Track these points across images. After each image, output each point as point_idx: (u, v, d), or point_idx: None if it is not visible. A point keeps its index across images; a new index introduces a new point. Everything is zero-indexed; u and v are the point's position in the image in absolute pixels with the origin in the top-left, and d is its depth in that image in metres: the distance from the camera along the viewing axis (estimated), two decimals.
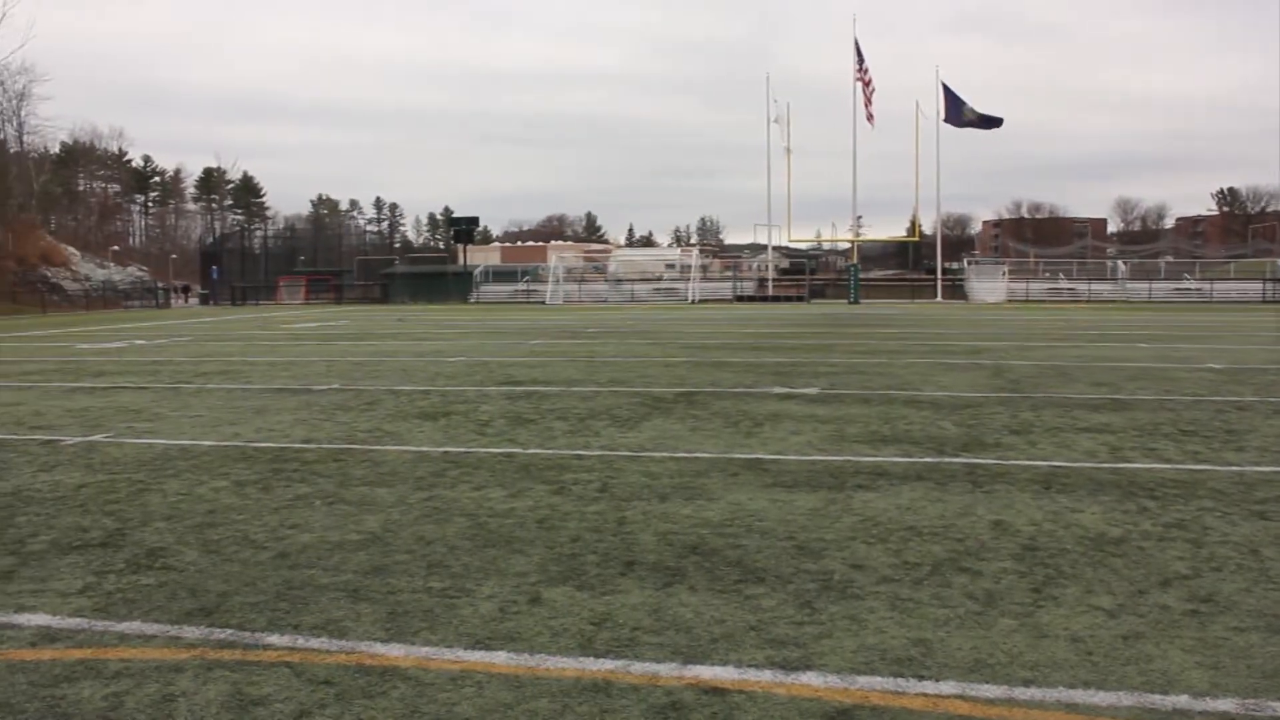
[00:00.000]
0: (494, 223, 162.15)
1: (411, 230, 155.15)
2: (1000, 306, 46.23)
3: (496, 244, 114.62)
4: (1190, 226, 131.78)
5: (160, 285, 66.24)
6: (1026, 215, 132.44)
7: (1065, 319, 32.65)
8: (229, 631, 4.51)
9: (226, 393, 13.43)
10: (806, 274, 64.65)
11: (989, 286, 53.49)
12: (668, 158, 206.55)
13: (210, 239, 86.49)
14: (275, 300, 61.43)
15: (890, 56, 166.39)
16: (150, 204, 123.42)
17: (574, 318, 36.40)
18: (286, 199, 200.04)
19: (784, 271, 67.41)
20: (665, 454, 8.61)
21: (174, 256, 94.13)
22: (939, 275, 56.13)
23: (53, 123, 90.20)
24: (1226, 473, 7.72)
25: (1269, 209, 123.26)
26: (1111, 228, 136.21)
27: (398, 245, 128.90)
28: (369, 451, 8.87)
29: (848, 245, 76.38)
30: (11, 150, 67.34)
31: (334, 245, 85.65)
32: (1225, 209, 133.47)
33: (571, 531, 6.13)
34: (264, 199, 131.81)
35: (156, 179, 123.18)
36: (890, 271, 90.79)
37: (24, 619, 4.73)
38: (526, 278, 62.40)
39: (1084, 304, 48.62)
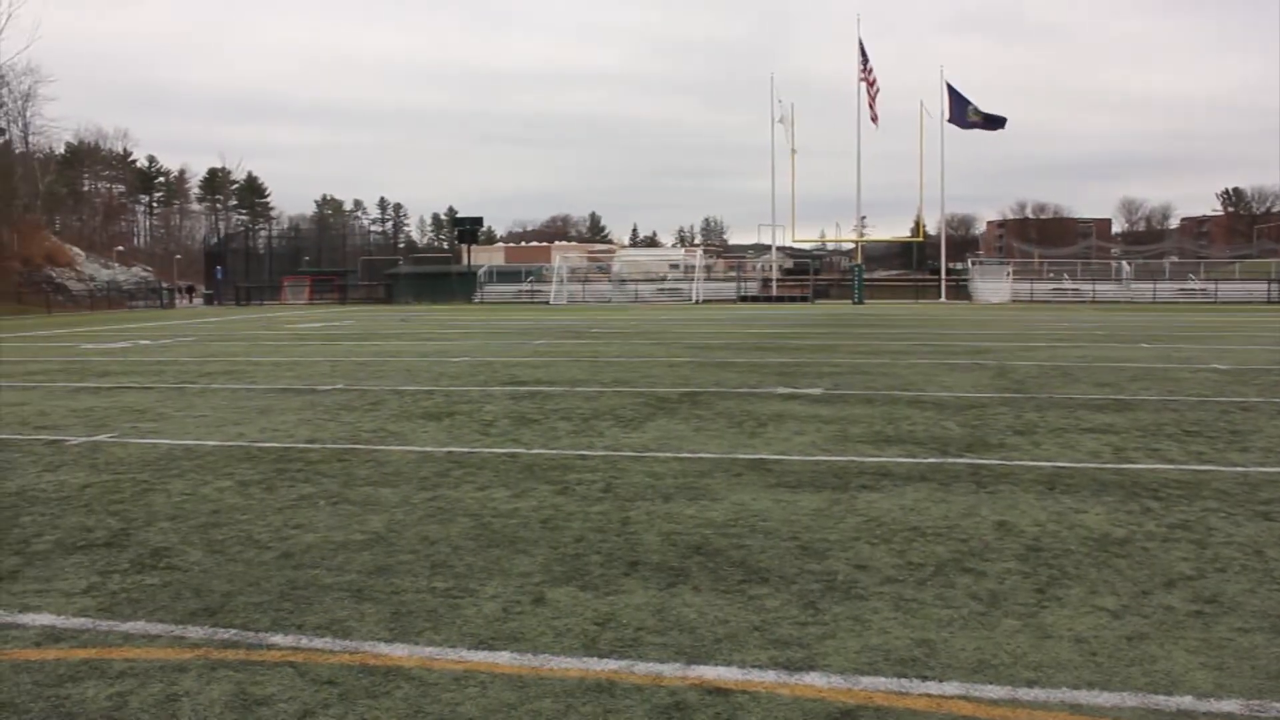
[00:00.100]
0: (498, 223, 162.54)
1: (416, 230, 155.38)
2: (1004, 307, 46.17)
3: (500, 244, 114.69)
4: (1195, 227, 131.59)
5: (165, 285, 66.33)
6: (1031, 215, 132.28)
7: (1069, 319, 32.61)
8: (233, 631, 4.52)
9: (231, 393, 13.45)
10: (810, 274, 64.61)
11: (993, 287, 53.45)
12: (671, 158, 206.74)
13: (215, 239, 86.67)
14: (279, 300, 61.51)
15: (891, 56, 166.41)
16: (155, 204, 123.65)
17: (578, 318, 36.42)
18: (291, 199, 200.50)
19: (788, 272, 67.38)
20: (669, 454, 8.61)
21: (178, 257, 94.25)
22: (943, 276, 56.11)
23: (58, 123, 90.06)
24: (1231, 473, 7.70)
25: (1274, 209, 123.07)
26: (1116, 228, 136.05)
27: (402, 245, 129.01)
28: (373, 451, 8.88)
29: (852, 245, 76.40)
30: (17, 151, 67.50)
31: (338, 245, 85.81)
32: (1230, 209, 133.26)
33: (575, 532, 6.13)
34: (268, 199, 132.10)
35: (161, 179, 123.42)
36: (894, 272, 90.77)
37: (29, 619, 4.74)
38: (530, 278, 62.43)
39: (1088, 304, 48.54)
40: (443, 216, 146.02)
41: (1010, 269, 58.55)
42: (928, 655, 4.16)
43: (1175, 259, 68.83)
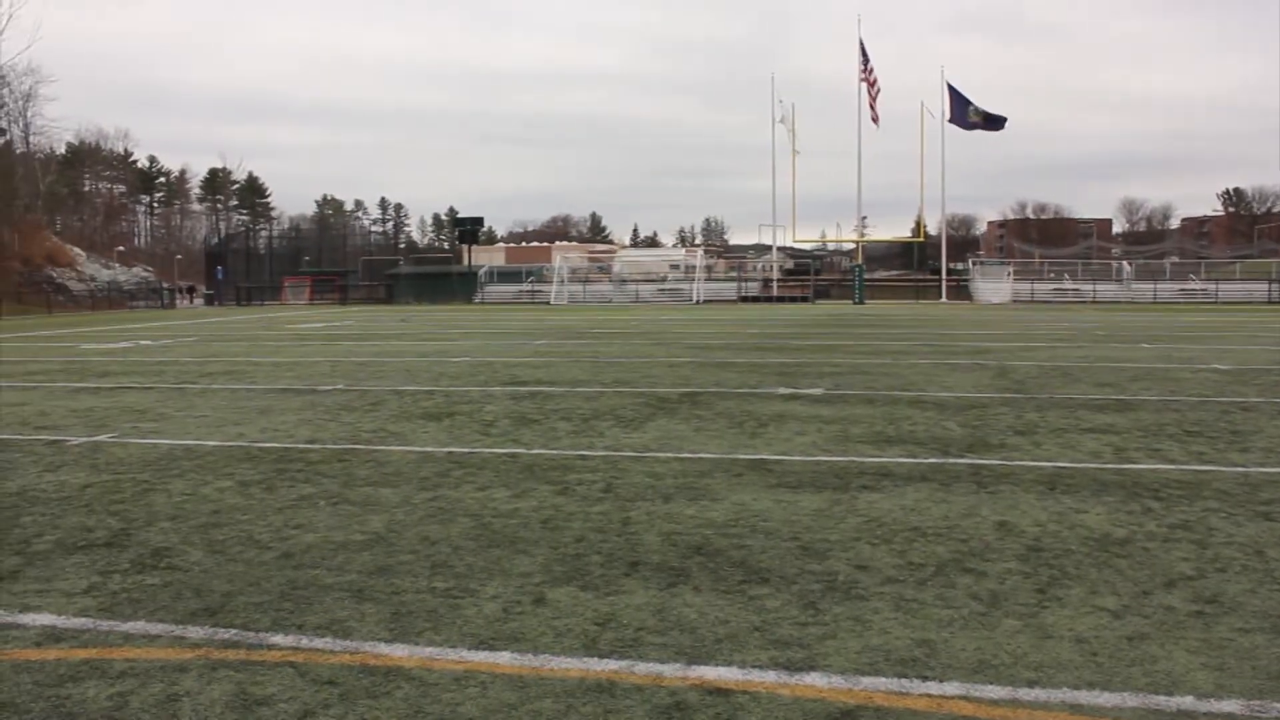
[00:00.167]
0: (498, 223, 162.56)
1: (416, 230, 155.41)
2: (1005, 307, 46.16)
3: (501, 244, 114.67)
4: (1196, 227, 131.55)
5: (165, 286, 66.36)
6: (1031, 216, 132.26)
7: (1070, 320, 32.61)
8: (233, 631, 4.52)
9: (231, 393, 13.46)
10: (811, 274, 64.62)
11: (994, 287, 53.45)
12: (671, 158, 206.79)
13: (215, 239, 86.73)
14: (280, 301, 61.52)
15: (891, 56, 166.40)
16: (155, 204, 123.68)
17: (578, 318, 36.42)
18: (291, 199, 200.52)
19: (788, 272, 67.39)
20: (670, 454, 8.61)
21: (179, 257, 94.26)
22: (944, 276, 56.12)
23: (58, 123, 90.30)
24: (1231, 474, 7.70)
25: (1275, 209, 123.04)
26: (1117, 228, 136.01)
27: (402, 246, 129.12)
28: (373, 452, 8.88)
29: (852, 246, 76.40)
30: (18, 151, 67.53)
31: (339, 246, 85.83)
32: (1231, 209, 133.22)
33: (575, 532, 6.13)
34: (269, 199, 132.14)
35: (162, 179, 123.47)
36: (895, 272, 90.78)
37: (29, 619, 4.74)
38: (531, 278, 62.44)
39: (1089, 305, 48.54)
40: (443, 217, 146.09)
41: (1011, 269, 58.56)
42: (928, 655, 4.16)
43: (1176, 259, 68.83)
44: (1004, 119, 53.01)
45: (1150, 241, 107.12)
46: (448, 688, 3.89)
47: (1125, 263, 62.45)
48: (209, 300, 63.75)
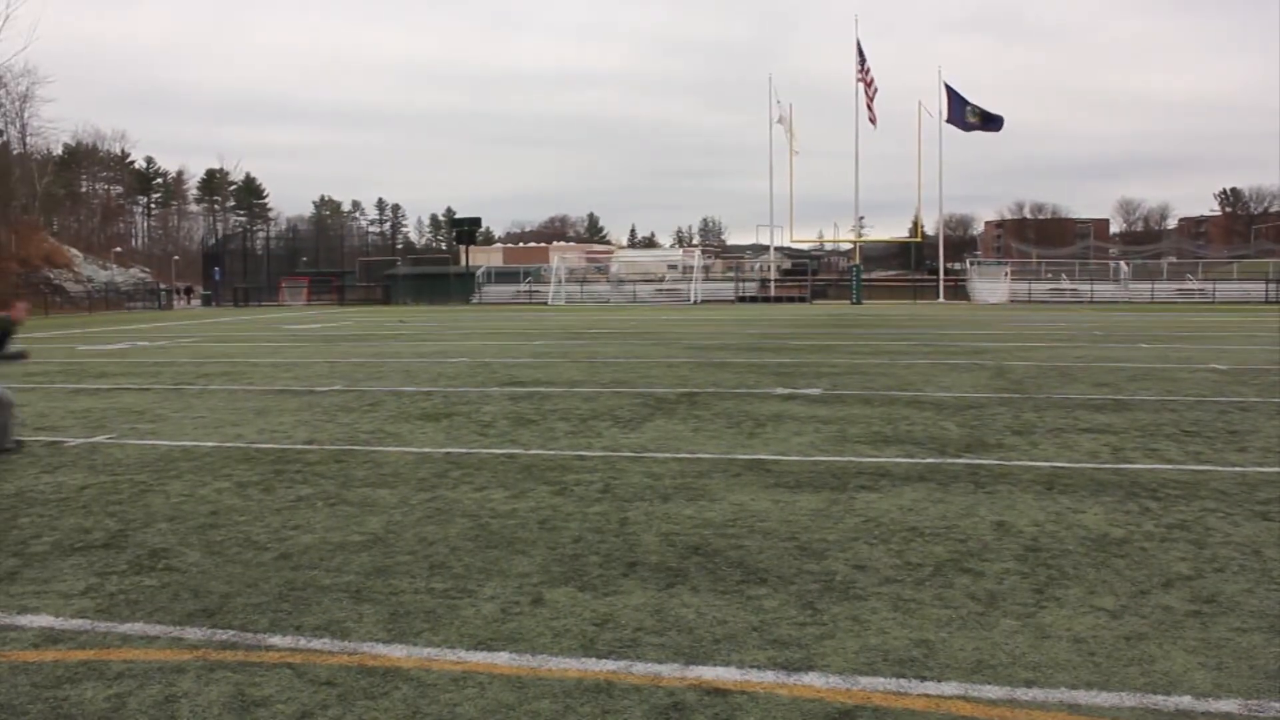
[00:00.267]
0: (496, 224, 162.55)
1: (414, 231, 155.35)
2: (1003, 307, 46.20)
3: (499, 245, 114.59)
4: (1193, 227, 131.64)
5: (163, 287, 66.31)
6: (1029, 216, 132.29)
7: (1067, 320, 32.64)
8: (231, 632, 4.52)
9: (229, 394, 13.45)
10: (808, 275, 64.61)
11: (991, 287, 53.45)
12: (669, 158, 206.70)
13: (212, 240, 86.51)
14: (277, 301, 61.48)
15: (891, 57, 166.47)
16: (153, 205, 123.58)
17: (576, 318, 36.42)
18: (288, 200, 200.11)
19: (786, 272, 67.38)
20: (667, 455, 8.61)
21: (176, 258, 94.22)
22: (941, 276, 56.13)
23: (55, 125, 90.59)
24: (1229, 473, 7.71)
25: (1272, 209, 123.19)
26: (1114, 228, 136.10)
27: (400, 246, 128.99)
28: (371, 453, 8.88)
29: (850, 246, 76.44)
30: (15, 152, 67.46)
31: (336, 246, 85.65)
32: (1228, 209, 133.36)
33: (573, 532, 6.13)
34: (266, 200, 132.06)
35: (159, 180, 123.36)
36: (892, 272, 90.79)
37: (27, 620, 4.73)
38: (529, 279, 62.42)
39: (1086, 305, 48.59)
40: (441, 217, 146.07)
41: (1008, 269, 58.55)
42: (926, 655, 4.16)
43: (1173, 259, 68.88)
44: (1001, 119, 53.04)
45: (1148, 241, 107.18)
46: (446, 688, 3.89)
47: (1123, 263, 62.52)
48: (206, 301, 63.65)
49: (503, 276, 65.44)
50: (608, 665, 4.09)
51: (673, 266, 74.00)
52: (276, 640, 4.42)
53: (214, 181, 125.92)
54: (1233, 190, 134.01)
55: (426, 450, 8.96)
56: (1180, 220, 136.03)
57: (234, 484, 7.64)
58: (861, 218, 68.45)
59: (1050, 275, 60.86)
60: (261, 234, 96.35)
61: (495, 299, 58.53)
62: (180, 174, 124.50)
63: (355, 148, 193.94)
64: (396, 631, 4.50)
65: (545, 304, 55.02)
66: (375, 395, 12.97)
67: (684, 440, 9.33)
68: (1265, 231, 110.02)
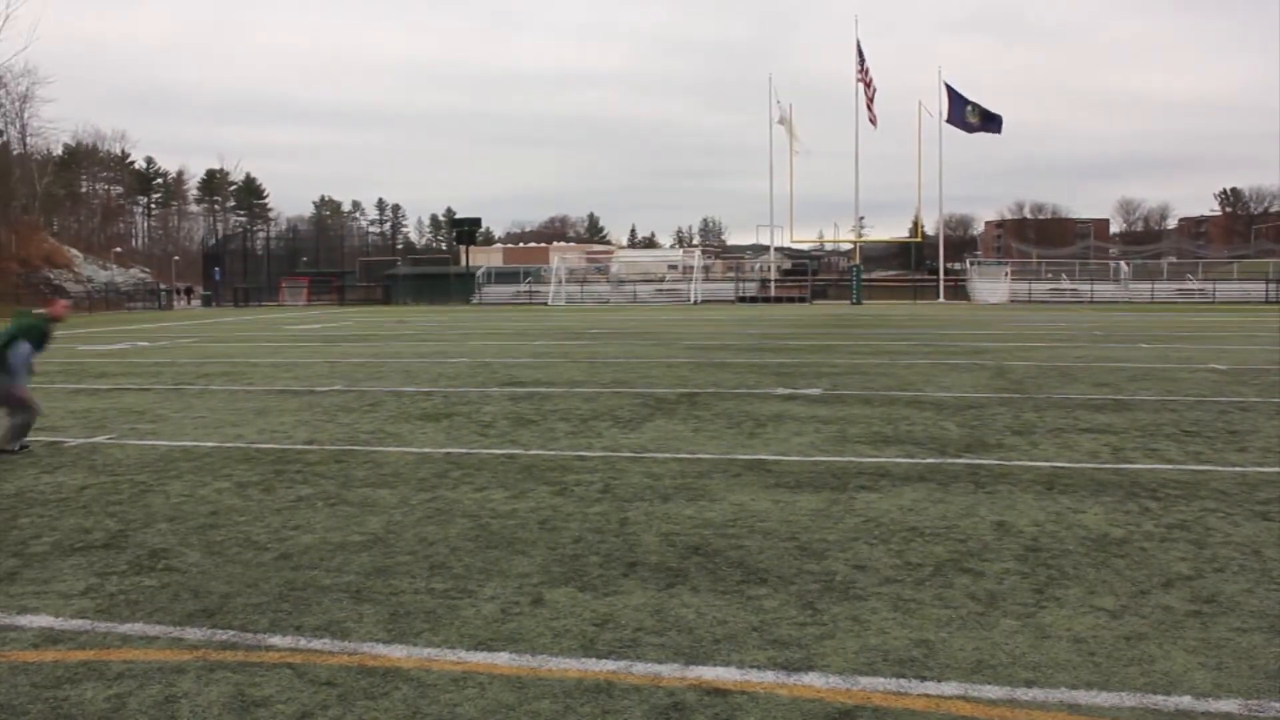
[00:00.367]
0: (496, 224, 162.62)
1: (414, 231, 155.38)
2: (1003, 307, 46.20)
3: (499, 245, 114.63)
4: (1193, 227, 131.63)
5: (163, 287, 66.32)
6: (1029, 216, 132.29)
7: (1068, 320, 32.64)
8: (231, 633, 4.52)
9: (229, 394, 13.45)
10: (809, 275, 64.63)
11: (991, 287, 53.46)
12: (670, 158, 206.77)
13: (213, 240, 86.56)
14: (278, 302, 61.50)
15: (891, 57, 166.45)
16: (153, 205, 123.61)
17: (576, 319, 36.43)
18: (288, 200, 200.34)
19: (786, 272, 67.41)
20: (668, 455, 8.61)
21: (176, 258, 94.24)
22: (941, 276, 56.15)
23: (56, 125, 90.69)
24: (1229, 473, 7.71)
25: (1272, 209, 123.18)
26: (1114, 228, 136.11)
27: (400, 246, 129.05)
28: (371, 453, 8.88)
29: (850, 246, 76.45)
30: (15, 152, 67.47)
31: (336, 246, 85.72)
32: (1228, 209, 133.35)
33: (574, 532, 6.13)
34: (266, 200, 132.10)
35: (159, 180, 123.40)
36: (892, 272, 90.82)
37: (26, 620, 4.73)
38: (529, 279, 62.44)
39: (1086, 305, 48.59)
40: (441, 217, 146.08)
41: (1008, 269, 58.56)
42: (926, 655, 4.16)
43: (1173, 259, 68.89)
44: (1000, 119, 53.03)
45: (1148, 241, 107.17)
46: (446, 689, 3.89)
47: (1123, 263, 62.53)
48: (206, 301, 63.65)
49: (503, 277, 65.48)
50: (608, 665, 4.09)
51: (673, 267, 74.06)
52: (276, 640, 4.42)
53: (214, 182, 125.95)
54: (1233, 190, 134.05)
55: (427, 450, 8.96)
56: (1180, 220, 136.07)
57: (234, 484, 7.65)
58: (861, 218, 68.50)
59: (1050, 275, 60.88)
60: (261, 234, 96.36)
61: (495, 299, 58.55)
62: (180, 174, 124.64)
63: (355, 148, 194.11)
64: (396, 632, 4.50)
65: (545, 304, 55.03)
66: (375, 395, 12.97)
67: (684, 440, 9.33)
68: (1265, 231, 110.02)
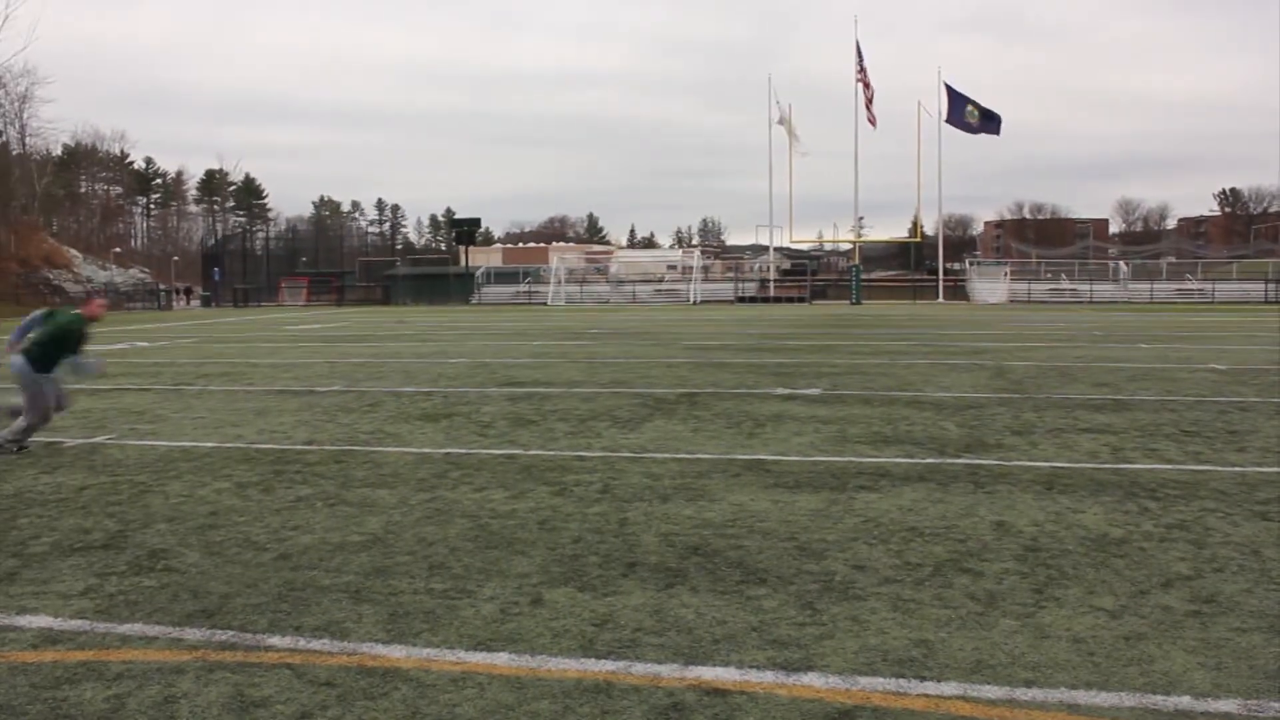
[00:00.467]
0: (495, 224, 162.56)
1: (413, 231, 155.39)
2: (1002, 307, 46.20)
3: (498, 245, 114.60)
4: (1192, 227, 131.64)
5: (162, 287, 66.29)
6: (1028, 216, 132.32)
7: (1067, 320, 32.65)
8: (230, 633, 4.51)
9: (228, 394, 13.45)
10: (808, 275, 64.65)
11: (991, 287, 53.50)
12: (669, 158, 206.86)
13: (212, 241, 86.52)
14: (277, 302, 61.48)
15: (891, 57, 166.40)
16: (152, 206, 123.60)
17: (576, 319, 36.43)
18: (288, 200, 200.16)
19: (785, 272, 67.43)
20: (667, 455, 8.61)
21: (176, 258, 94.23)
22: (940, 276, 56.16)
23: (55, 125, 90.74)
24: (1228, 473, 7.71)
25: (1271, 209, 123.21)
26: (1113, 228, 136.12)
27: (399, 247, 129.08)
28: (371, 453, 8.88)
29: (849, 246, 76.46)
30: (14, 153, 67.44)
31: (335, 247, 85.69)
32: (1227, 209, 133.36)
33: (573, 533, 6.13)
34: (265, 200, 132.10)
35: (158, 181, 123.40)
36: (892, 272, 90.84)
37: (25, 621, 4.73)
38: (528, 279, 62.46)
39: (1086, 305, 48.58)
40: (440, 218, 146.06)
41: (1008, 269, 58.60)
42: (926, 655, 4.16)
43: (1172, 259, 68.92)
44: (999, 119, 53.04)
45: (1147, 241, 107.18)
46: (445, 689, 3.88)
47: (1122, 263, 62.57)
48: (206, 302, 63.66)
49: (502, 277, 65.51)
50: (607, 665, 4.09)
51: (672, 267, 74.07)
52: (276, 641, 4.41)
53: (213, 182, 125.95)
54: (1232, 190, 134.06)
55: (426, 451, 8.96)
56: (1179, 220, 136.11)
57: (233, 484, 7.64)
58: (861, 218, 68.48)
59: (1050, 275, 60.92)
60: (261, 234, 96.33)
61: (495, 299, 58.55)
62: (180, 174, 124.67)
63: (355, 148, 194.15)
64: (396, 632, 4.50)
65: (545, 304, 55.04)
66: (375, 395, 12.97)
67: (683, 440, 9.33)
68: (1264, 231, 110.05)
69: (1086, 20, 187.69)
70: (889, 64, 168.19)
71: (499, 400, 12.37)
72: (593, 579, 5.22)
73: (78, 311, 9.50)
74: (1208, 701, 3.70)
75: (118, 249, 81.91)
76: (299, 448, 9.19)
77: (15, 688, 3.95)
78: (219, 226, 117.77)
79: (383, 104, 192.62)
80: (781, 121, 55.64)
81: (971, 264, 65.20)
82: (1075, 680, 3.90)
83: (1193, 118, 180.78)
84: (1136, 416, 10.58)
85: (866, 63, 54.59)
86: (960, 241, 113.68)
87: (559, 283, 58.05)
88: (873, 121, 55.13)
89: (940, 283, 55.45)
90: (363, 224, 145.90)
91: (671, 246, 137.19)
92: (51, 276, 57.80)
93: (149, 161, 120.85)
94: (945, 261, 57.58)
